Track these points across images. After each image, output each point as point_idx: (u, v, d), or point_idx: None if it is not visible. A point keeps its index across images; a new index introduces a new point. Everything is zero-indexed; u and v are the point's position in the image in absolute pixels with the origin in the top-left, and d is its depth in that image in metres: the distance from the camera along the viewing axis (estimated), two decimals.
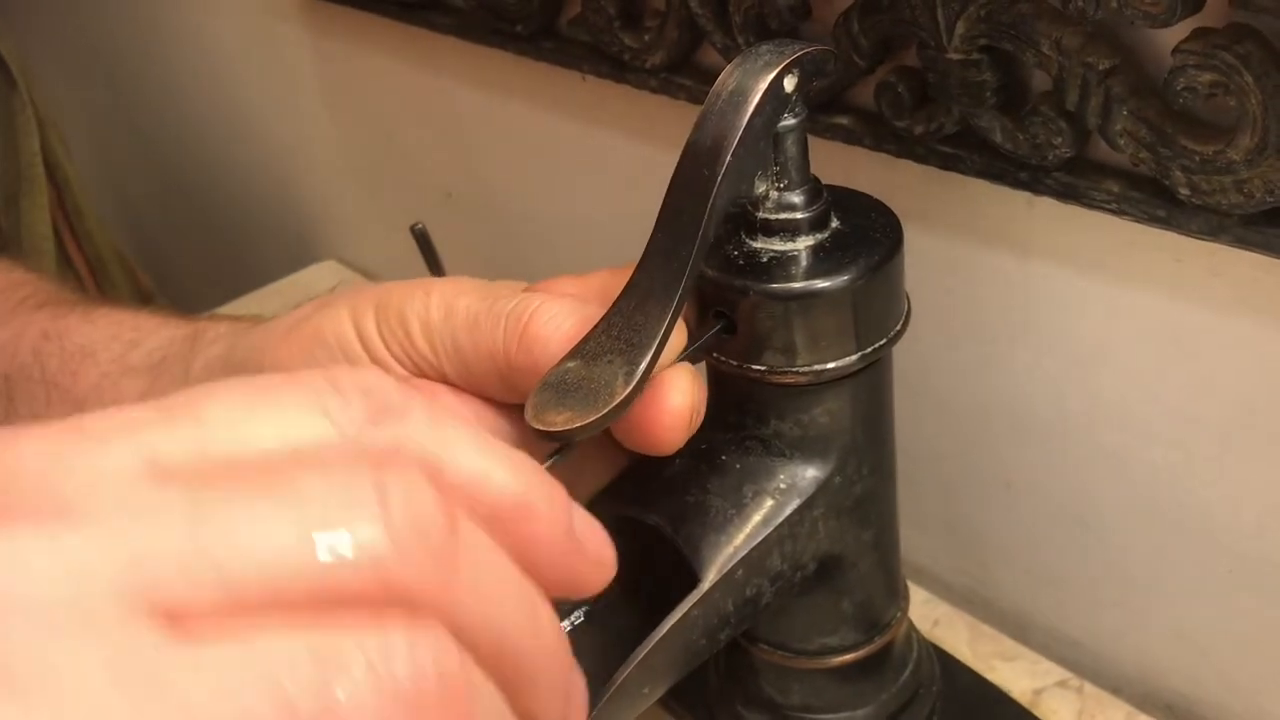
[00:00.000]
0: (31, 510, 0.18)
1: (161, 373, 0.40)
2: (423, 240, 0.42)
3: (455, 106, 0.71)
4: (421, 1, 0.65)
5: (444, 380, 0.35)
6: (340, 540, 0.19)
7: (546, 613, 0.22)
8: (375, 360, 0.35)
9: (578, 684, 0.24)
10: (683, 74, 0.52)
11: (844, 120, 0.47)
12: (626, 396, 0.31)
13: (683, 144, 0.33)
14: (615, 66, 0.54)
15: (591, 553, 0.24)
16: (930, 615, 0.53)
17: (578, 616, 0.38)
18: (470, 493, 0.21)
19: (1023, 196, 0.43)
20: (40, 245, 0.83)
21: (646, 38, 0.52)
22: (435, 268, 0.42)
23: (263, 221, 1.01)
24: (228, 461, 0.20)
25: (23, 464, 0.19)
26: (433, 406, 0.22)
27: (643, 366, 0.32)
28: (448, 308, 0.35)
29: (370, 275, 0.89)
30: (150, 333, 0.42)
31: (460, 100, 0.71)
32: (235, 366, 0.38)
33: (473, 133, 0.72)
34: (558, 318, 0.34)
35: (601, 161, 0.63)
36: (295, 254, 0.95)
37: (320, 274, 0.89)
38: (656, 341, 0.32)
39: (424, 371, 0.35)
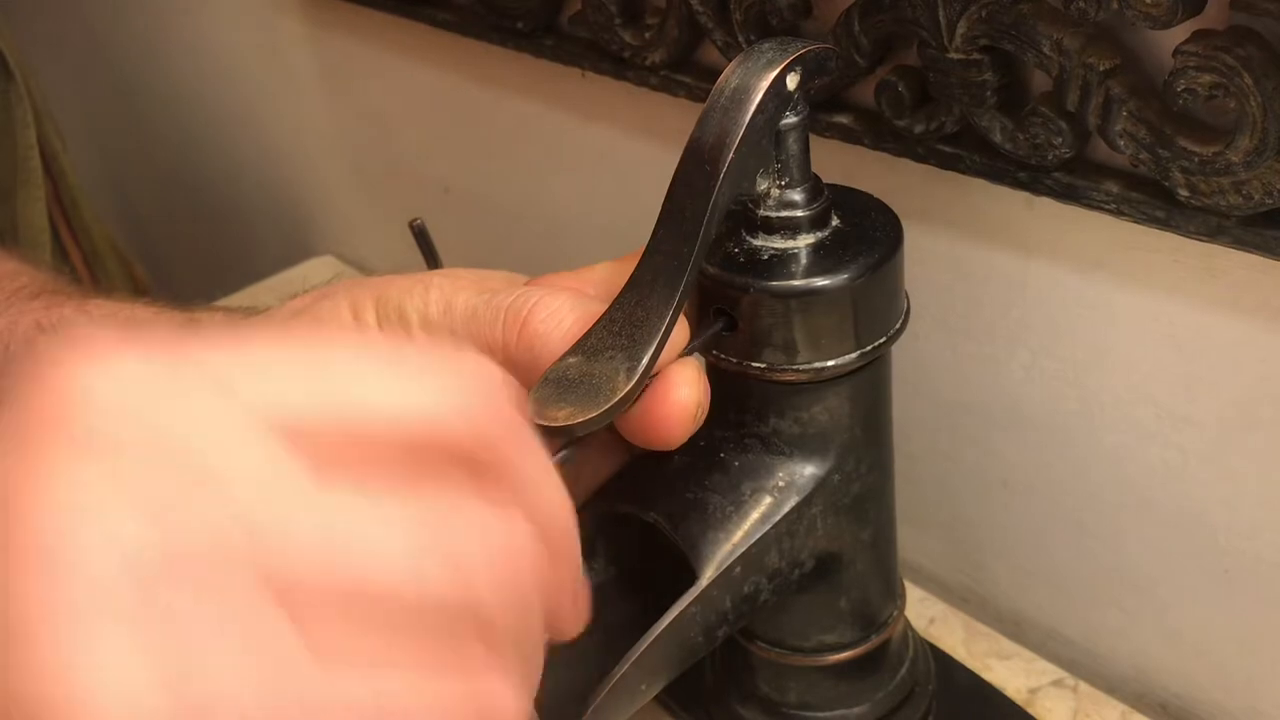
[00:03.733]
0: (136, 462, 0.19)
1: None
2: (421, 236, 0.42)
3: (454, 102, 0.71)
4: None
5: None
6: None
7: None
8: None
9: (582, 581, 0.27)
10: (683, 71, 0.52)
11: (844, 119, 0.47)
12: (628, 392, 0.31)
13: (683, 141, 0.33)
14: (616, 64, 0.54)
15: None
16: (926, 614, 0.53)
17: None
18: None
19: (1022, 196, 0.43)
20: (36, 238, 0.82)
21: (647, 35, 0.52)
22: (433, 264, 0.42)
23: (260, 215, 1.01)
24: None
25: (122, 399, 0.19)
26: None
27: (644, 362, 0.32)
28: (446, 304, 0.35)
29: (368, 270, 0.88)
30: (144, 323, 0.42)
31: (460, 96, 0.71)
32: None
33: (472, 129, 0.72)
34: (558, 313, 0.34)
35: (601, 158, 0.63)
36: (292, 248, 0.95)
37: (317, 269, 0.89)
38: (658, 338, 0.32)
39: None
